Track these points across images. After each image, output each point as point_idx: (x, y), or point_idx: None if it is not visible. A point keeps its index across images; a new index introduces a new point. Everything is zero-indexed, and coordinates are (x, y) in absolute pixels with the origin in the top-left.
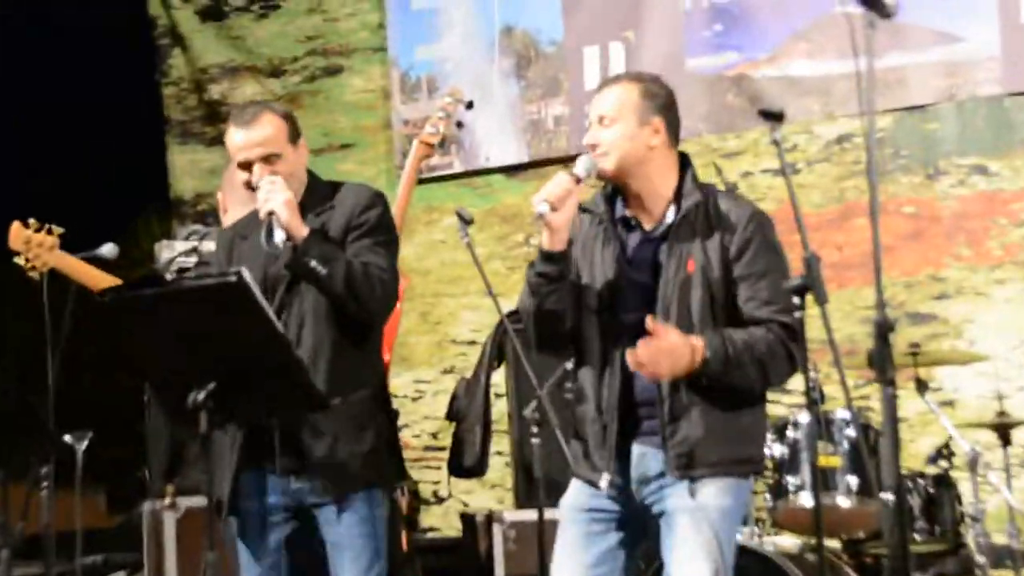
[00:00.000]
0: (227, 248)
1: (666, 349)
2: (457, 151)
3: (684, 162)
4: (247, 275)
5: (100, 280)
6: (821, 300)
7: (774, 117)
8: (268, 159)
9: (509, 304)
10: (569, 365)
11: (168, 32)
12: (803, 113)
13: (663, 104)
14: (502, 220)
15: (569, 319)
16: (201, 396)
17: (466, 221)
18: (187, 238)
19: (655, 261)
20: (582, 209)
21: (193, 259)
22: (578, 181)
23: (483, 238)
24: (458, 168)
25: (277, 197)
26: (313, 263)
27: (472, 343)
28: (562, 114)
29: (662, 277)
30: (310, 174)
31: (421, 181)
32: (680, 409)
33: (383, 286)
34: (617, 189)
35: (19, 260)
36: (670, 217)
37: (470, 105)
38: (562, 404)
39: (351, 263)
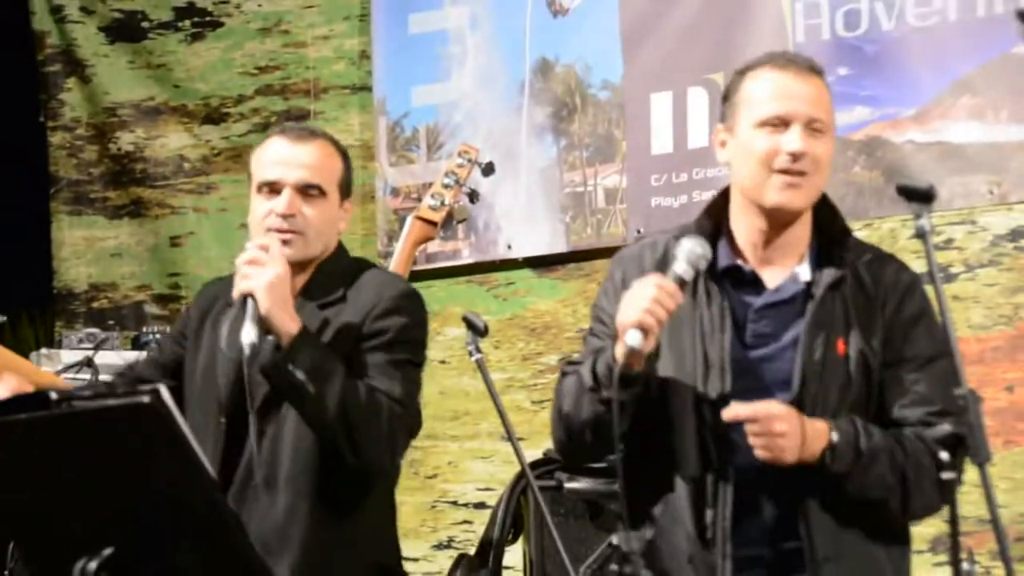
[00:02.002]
0: (202, 312)
1: (772, 425)
2: (467, 234)
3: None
4: (165, 394)
5: (30, 375)
6: (981, 456)
7: (920, 197)
8: (306, 190)
9: (535, 452)
10: (615, 540)
11: (60, 56)
12: (963, 196)
13: None
14: (528, 333)
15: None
16: (92, 566)
17: (478, 332)
18: (78, 344)
19: (784, 335)
20: None
21: (86, 376)
22: (683, 285)
23: (501, 358)
24: (468, 258)
25: (261, 275)
26: (299, 375)
27: (480, 506)
28: (617, 186)
29: (799, 359)
30: (338, 249)
31: (416, 275)
32: (828, 546)
33: (391, 424)
34: (720, 225)
35: None
36: (805, 273)
37: (488, 169)
38: None
39: (353, 385)
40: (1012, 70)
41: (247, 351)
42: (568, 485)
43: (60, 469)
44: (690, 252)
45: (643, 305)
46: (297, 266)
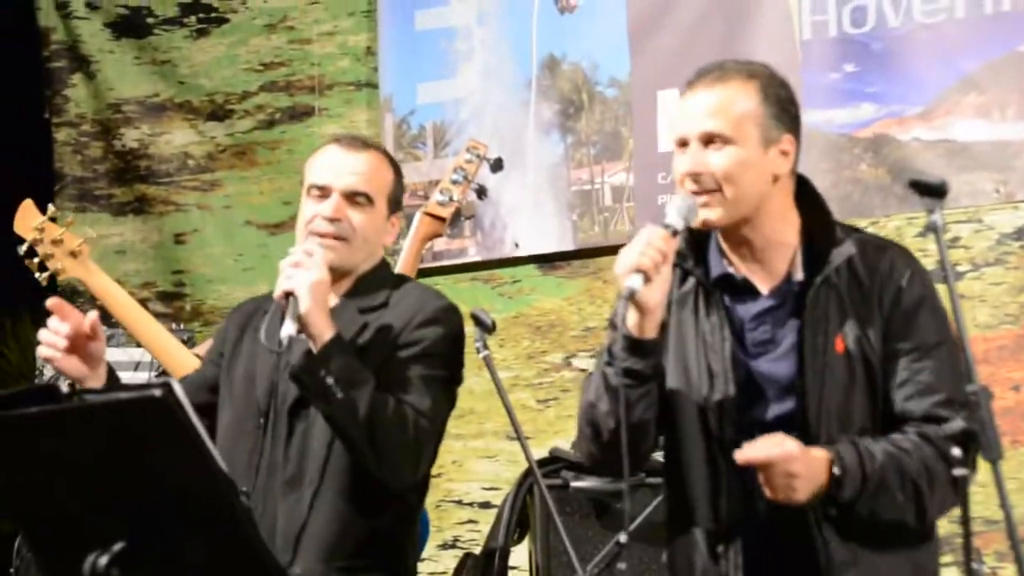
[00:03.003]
0: (240, 325)
1: (782, 468)
2: (474, 231)
3: (802, 187)
4: (177, 388)
5: (136, 316)
6: (994, 453)
7: (933, 192)
8: (355, 198)
9: (540, 451)
10: (623, 539)
11: (66, 51)
12: (970, 194)
13: (794, 112)
14: (534, 332)
15: (655, 430)
16: (103, 560)
17: (486, 329)
18: None
19: (783, 340)
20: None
21: None
22: (675, 234)
23: (506, 356)
24: (475, 256)
25: (304, 276)
26: (330, 380)
27: (485, 506)
28: (624, 184)
29: (799, 364)
30: (382, 263)
31: (422, 273)
32: (840, 558)
33: (417, 438)
34: (707, 233)
35: (26, 254)
36: (798, 274)
37: (497, 165)
38: None
39: (381, 396)
40: (1019, 68)
41: (284, 343)
42: (574, 484)
43: (71, 463)
44: (680, 205)
45: (637, 249)
46: (338, 274)
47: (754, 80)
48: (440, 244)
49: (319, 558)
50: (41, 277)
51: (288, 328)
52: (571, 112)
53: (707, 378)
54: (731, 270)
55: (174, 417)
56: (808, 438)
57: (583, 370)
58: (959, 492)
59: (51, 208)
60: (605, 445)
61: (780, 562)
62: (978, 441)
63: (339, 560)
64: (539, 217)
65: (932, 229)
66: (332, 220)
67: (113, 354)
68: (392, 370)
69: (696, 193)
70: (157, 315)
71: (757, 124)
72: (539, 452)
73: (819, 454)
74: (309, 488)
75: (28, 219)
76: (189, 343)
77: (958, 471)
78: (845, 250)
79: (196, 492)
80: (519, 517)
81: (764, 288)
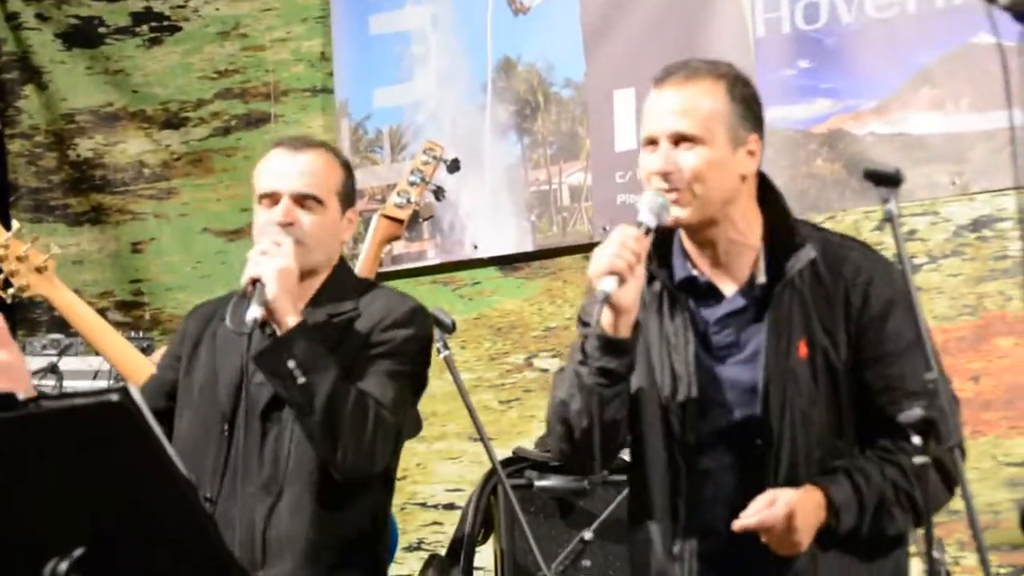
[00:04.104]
0: (198, 329)
1: (782, 527)
2: (433, 234)
3: (763, 186)
4: (135, 393)
5: (99, 331)
6: (953, 440)
7: (888, 181)
8: (304, 200)
9: (503, 451)
10: (587, 536)
11: (17, 62)
12: (926, 187)
13: (758, 111)
14: (495, 333)
15: (625, 429)
16: (63, 567)
17: (446, 329)
18: (42, 351)
19: (747, 344)
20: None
21: (51, 381)
22: (647, 233)
23: (466, 357)
24: (434, 259)
25: (271, 263)
26: (291, 364)
27: (449, 507)
28: (582, 183)
29: (761, 367)
30: (341, 263)
31: (381, 276)
32: (800, 564)
33: (377, 430)
34: (671, 235)
35: None
36: (761, 277)
37: (454, 166)
38: None
39: (342, 384)
40: (971, 61)
41: (250, 327)
42: (538, 483)
43: (29, 470)
44: (651, 201)
45: (611, 251)
46: (301, 275)
47: (722, 80)
48: (399, 247)
49: (298, 561)
50: (6, 294)
51: (254, 311)
52: (527, 113)
53: (670, 380)
54: (695, 273)
55: (132, 422)
56: (770, 442)
57: (545, 370)
58: (951, 485)
59: (15, 224)
60: (577, 443)
61: (736, 567)
62: (937, 429)
63: (316, 562)
64: (498, 219)
65: (888, 219)
66: (284, 225)
67: (71, 363)
68: (359, 367)
69: (666, 192)
70: (116, 324)
71: (726, 125)
72: (502, 452)
73: (813, 496)
74: (284, 491)
75: None
76: (148, 351)
77: (918, 459)
78: (805, 254)
79: (156, 497)
80: (484, 517)
81: (728, 291)
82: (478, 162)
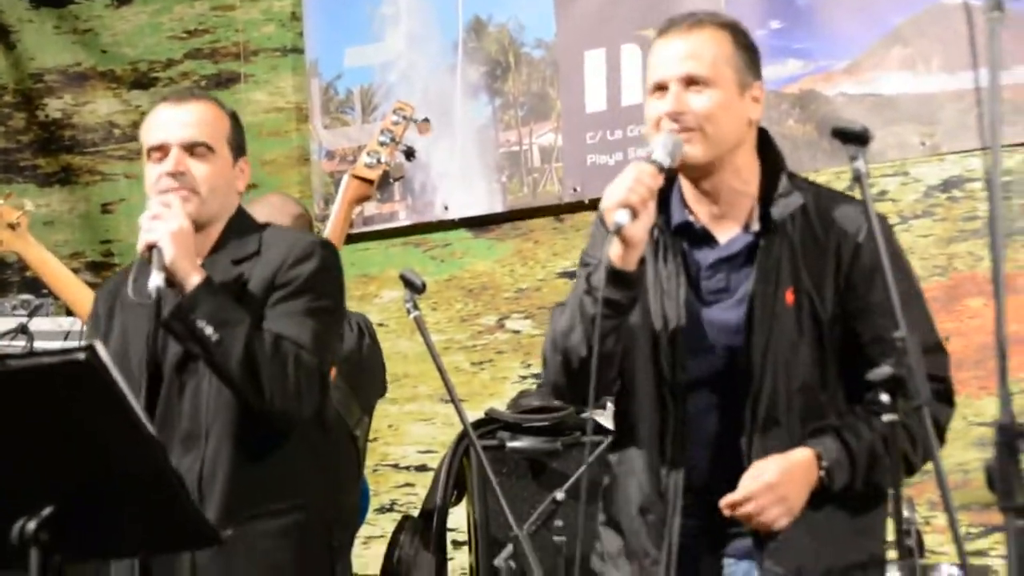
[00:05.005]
0: (108, 303)
1: (769, 497)
2: (404, 195)
3: (764, 142)
4: (101, 350)
5: (74, 289)
6: (919, 396)
7: (855, 139)
8: (194, 149)
9: (476, 413)
10: (560, 496)
11: None
12: (896, 147)
13: (758, 60)
14: (466, 294)
15: (618, 364)
16: (32, 526)
17: (415, 290)
18: (12, 311)
19: (737, 289)
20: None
21: (21, 342)
22: (661, 170)
23: (438, 319)
24: (405, 220)
25: (164, 226)
26: (200, 323)
27: (421, 469)
28: (553, 144)
29: (747, 311)
30: (239, 211)
31: (352, 237)
32: None
33: (299, 373)
34: (670, 183)
35: None
36: (756, 225)
37: (425, 125)
38: (552, 549)
39: (257, 333)
40: (942, 20)
41: (154, 295)
42: (510, 444)
43: None
44: (666, 141)
45: (626, 184)
46: (198, 227)
47: (726, 28)
48: (370, 209)
49: (227, 510)
50: None
51: (156, 279)
52: (498, 74)
53: (661, 322)
54: (691, 219)
55: (99, 379)
56: (751, 386)
57: (516, 331)
58: (942, 433)
59: None
60: (574, 373)
61: (718, 507)
62: (905, 387)
63: (248, 508)
64: (468, 180)
65: (856, 177)
66: (175, 175)
67: (42, 324)
68: (273, 311)
69: (678, 132)
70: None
71: (733, 67)
72: (474, 414)
73: (801, 457)
74: (207, 441)
75: None
76: None
77: (887, 416)
78: (793, 201)
79: (124, 455)
80: (456, 479)
81: (722, 238)
82: (449, 123)
